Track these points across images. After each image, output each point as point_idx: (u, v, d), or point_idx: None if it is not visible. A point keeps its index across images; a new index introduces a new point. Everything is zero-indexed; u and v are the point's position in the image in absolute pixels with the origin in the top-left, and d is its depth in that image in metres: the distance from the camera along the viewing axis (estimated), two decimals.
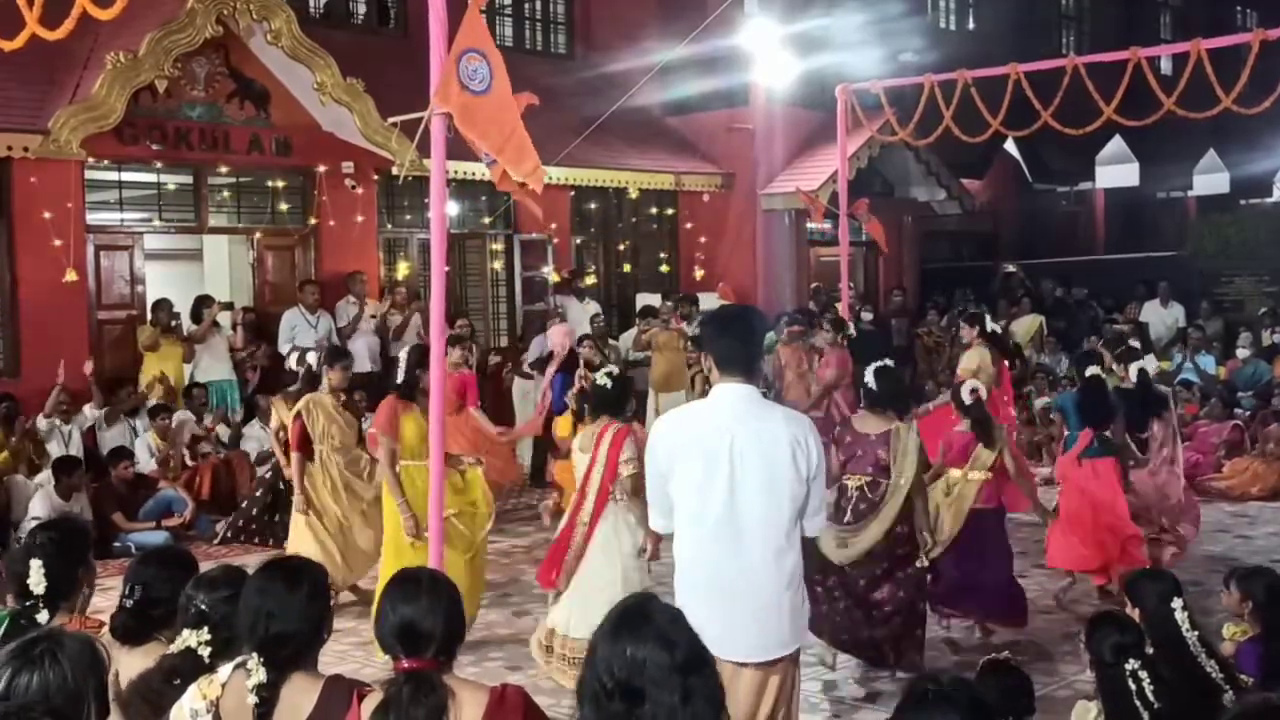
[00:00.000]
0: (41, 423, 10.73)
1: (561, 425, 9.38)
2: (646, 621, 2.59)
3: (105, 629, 3.86)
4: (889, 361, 7.06)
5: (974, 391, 7.46)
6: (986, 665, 4.42)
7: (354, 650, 7.40)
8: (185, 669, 3.36)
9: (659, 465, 4.23)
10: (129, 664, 3.63)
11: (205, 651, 3.44)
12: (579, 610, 6.27)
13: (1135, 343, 11.21)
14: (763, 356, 4.52)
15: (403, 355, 7.54)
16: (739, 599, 4.10)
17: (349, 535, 8.36)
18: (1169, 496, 8.83)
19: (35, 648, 2.63)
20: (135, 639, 3.75)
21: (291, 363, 8.74)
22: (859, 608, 6.49)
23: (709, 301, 15.39)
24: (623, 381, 6.66)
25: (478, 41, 5.27)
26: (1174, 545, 8.72)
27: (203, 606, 3.50)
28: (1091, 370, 8.54)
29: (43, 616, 3.96)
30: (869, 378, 6.76)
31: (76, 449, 10.68)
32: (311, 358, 8.58)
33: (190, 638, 3.48)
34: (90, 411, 11.08)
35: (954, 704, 2.83)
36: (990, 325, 10.70)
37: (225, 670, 3.15)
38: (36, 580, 3.94)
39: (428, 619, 3.07)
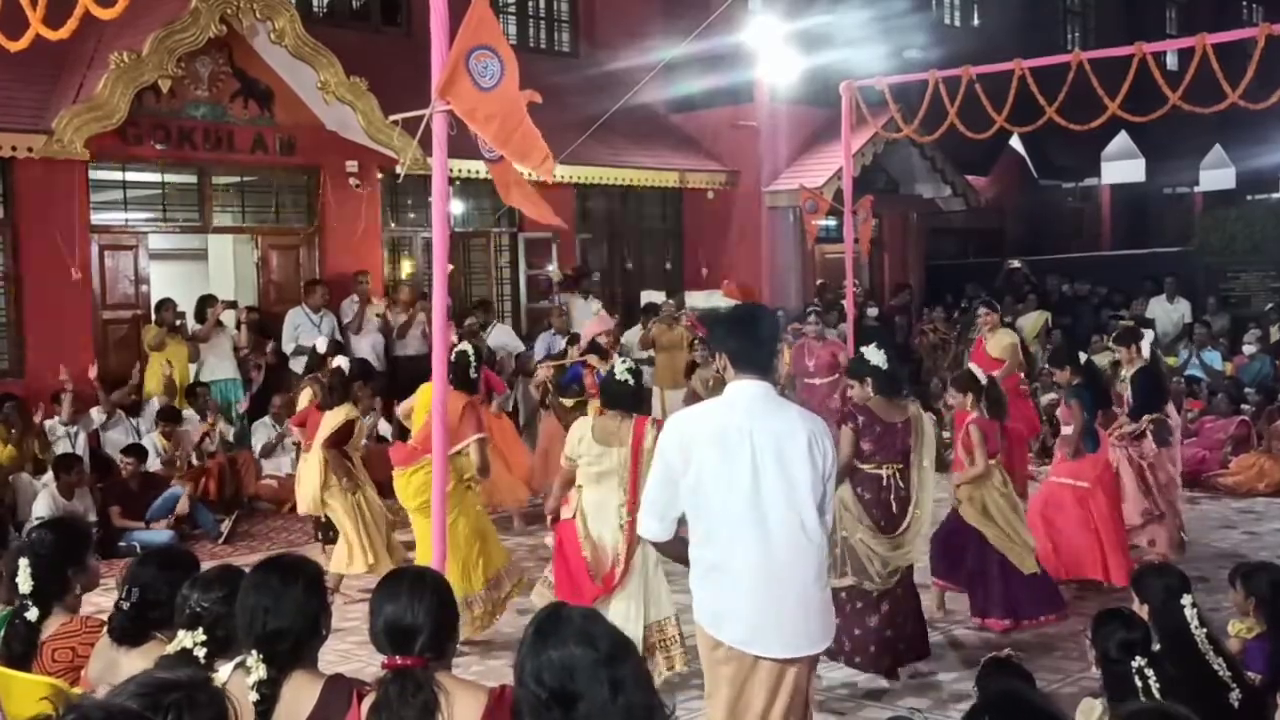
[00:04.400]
0: (49, 424, 10.76)
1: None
2: (565, 624, 2.60)
3: (105, 629, 3.86)
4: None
5: (978, 369, 7.59)
6: (989, 663, 4.41)
7: (357, 649, 7.37)
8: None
9: (670, 465, 4.18)
10: (128, 665, 3.63)
11: (201, 652, 3.43)
12: (660, 592, 6.45)
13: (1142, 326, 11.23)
14: (777, 354, 4.56)
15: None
16: (764, 596, 4.10)
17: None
18: (1172, 484, 8.91)
19: (167, 696, 2.51)
20: (132, 639, 3.75)
21: (296, 364, 8.94)
22: (899, 612, 6.58)
23: (699, 300, 15.46)
24: (639, 378, 6.53)
25: (489, 38, 5.25)
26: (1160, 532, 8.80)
27: (198, 607, 3.50)
28: (1084, 356, 8.61)
29: (32, 614, 3.97)
30: (879, 359, 6.63)
31: (81, 450, 10.69)
32: (343, 361, 8.88)
33: (186, 639, 3.47)
34: (96, 415, 11.07)
35: (1025, 709, 2.77)
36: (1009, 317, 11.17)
37: (225, 670, 3.14)
38: (23, 579, 3.97)
39: (410, 616, 3.06)
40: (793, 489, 4.09)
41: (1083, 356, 8.61)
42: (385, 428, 11.56)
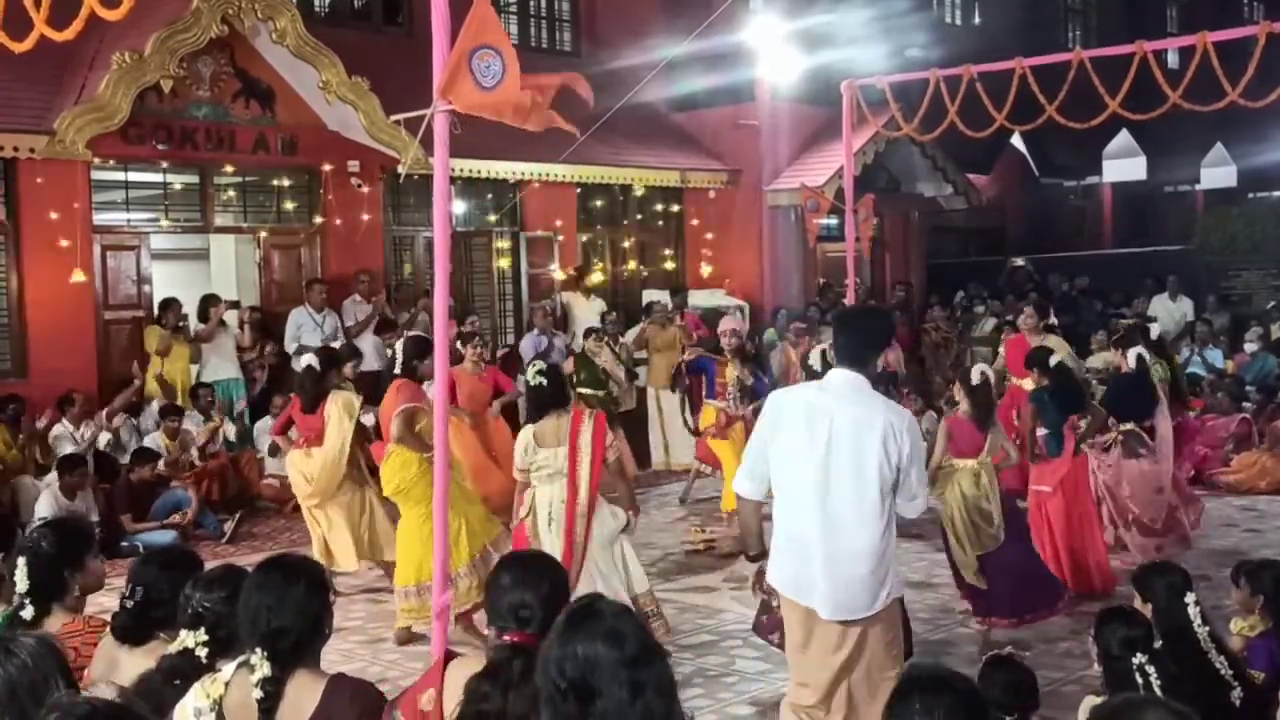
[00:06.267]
0: (56, 429, 10.79)
1: (706, 415, 10.15)
2: (595, 619, 2.61)
3: (108, 629, 3.87)
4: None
5: (983, 373, 7.51)
6: (991, 660, 4.41)
7: (359, 649, 7.41)
8: (184, 669, 3.37)
9: (764, 432, 4.79)
10: (131, 664, 3.64)
11: (203, 652, 3.45)
12: (635, 568, 6.74)
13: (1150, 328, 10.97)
14: (881, 351, 5.03)
15: (399, 345, 7.81)
16: (819, 560, 4.56)
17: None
18: (1157, 489, 8.88)
19: None
20: (135, 639, 3.76)
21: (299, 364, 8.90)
22: None
23: (701, 299, 15.47)
24: (555, 375, 6.72)
25: (492, 38, 5.26)
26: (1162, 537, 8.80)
27: (200, 607, 3.51)
28: (1055, 359, 8.53)
29: (27, 613, 3.98)
30: (814, 358, 6.85)
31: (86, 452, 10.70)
32: (311, 358, 8.79)
33: (188, 638, 3.49)
34: (103, 437, 11.05)
35: (948, 692, 2.80)
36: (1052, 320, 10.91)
37: (228, 669, 3.15)
38: (20, 579, 3.99)
39: (530, 597, 3.19)
40: (860, 471, 4.53)
41: (1054, 360, 8.53)
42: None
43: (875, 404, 4.68)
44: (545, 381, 6.57)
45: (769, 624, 6.35)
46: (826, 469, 4.55)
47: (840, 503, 4.54)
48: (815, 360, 6.93)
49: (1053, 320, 11.25)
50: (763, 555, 5.06)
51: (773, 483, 4.75)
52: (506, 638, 3.15)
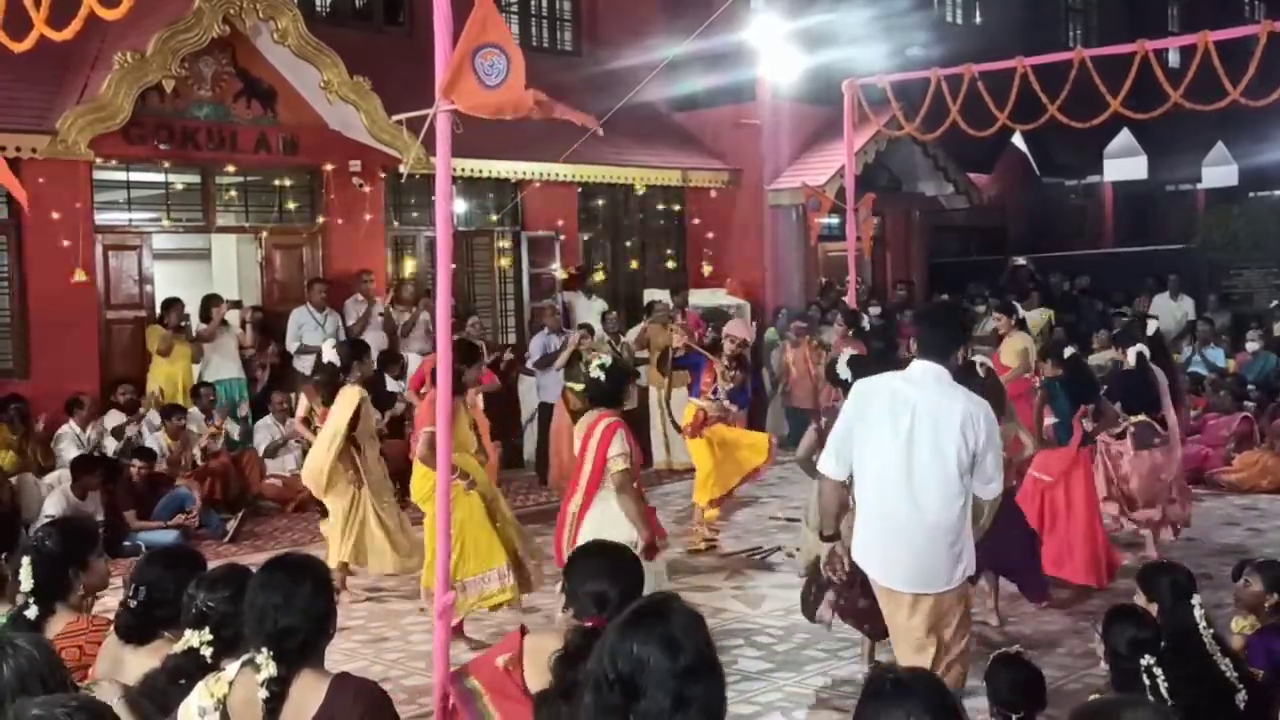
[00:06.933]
0: (63, 430, 10.80)
1: (687, 413, 10.19)
2: (660, 622, 2.59)
3: (112, 628, 3.86)
4: (859, 351, 7.42)
5: (983, 364, 7.54)
6: (998, 658, 4.41)
7: (362, 648, 7.41)
8: (189, 669, 3.38)
9: (849, 415, 5.13)
10: (135, 663, 3.63)
11: (207, 651, 3.45)
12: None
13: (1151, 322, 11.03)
14: (961, 345, 5.32)
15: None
16: (901, 536, 4.93)
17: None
18: (1162, 477, 8.92)
19: None
20: (139, 638, 3.76)
21: (302, 364, 8.90)
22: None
23: (702, 299, 15.46)
24: (616, 373, 6.59)
25: (496, 37, 5.27)
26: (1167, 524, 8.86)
27: (204, 607, 3.51)
28: (1069, 350, 8.61)
29: (31, 613, 3.98)
30: (841, 367, 7.03)
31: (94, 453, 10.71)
32: (330, 353, 8.75)
33: (192, 638, 3.49)
34: (110, 442, 11.06)
35: (914, 693, 2.78)
36: (1021, 313, 11.06)
37: (232, 668, 3.15)
38: (24, 577, 4.00)
39: (612, 586, 3.40)
40: (939, 452, 4.86)
41: (1068, 351, 8.62)
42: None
43: (955, 394, 5.01)
44: (602, 377, 6.48)
45: (820, 601, 6.39)
46: (909, 454, 4.88)
47: (924, 485, 4.87)
48: (843, 370, 6.97)
49: (1021, 315, 11.37)
50: (835, 536, 5.31)
51: (855, 468, 5.06)
52: (587, 622, 3.29)
